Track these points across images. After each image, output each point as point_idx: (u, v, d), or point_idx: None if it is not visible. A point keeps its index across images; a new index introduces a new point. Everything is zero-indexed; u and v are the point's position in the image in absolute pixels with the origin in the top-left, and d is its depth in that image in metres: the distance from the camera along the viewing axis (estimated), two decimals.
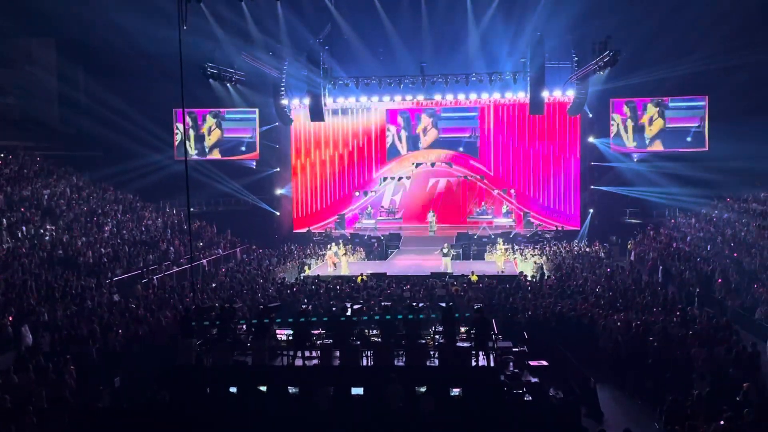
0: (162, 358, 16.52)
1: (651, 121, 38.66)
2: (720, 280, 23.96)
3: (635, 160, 39.52)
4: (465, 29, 37.46)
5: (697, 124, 38.20)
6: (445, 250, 31.44)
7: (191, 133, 41.58)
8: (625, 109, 38.76)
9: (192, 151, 41.01)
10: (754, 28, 33.48)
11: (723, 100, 35.82)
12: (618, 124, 38.78)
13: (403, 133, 43.16)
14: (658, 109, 38.51)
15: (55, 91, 40.74)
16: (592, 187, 40.09)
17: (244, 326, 16.25)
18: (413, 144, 43.15)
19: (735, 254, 26.21)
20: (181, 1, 22.56)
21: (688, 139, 38.29)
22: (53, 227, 28.80)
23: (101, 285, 24.23)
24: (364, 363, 14.90)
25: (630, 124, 38.66)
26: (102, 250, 28.12)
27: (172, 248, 31.97)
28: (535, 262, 31.58)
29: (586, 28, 35.45)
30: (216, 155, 42.02)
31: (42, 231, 27.94)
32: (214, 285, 26.08)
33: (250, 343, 15.44)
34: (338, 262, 31.79)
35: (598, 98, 38.24)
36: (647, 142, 38.76)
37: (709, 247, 28.59)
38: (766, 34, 33.19)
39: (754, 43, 32.71)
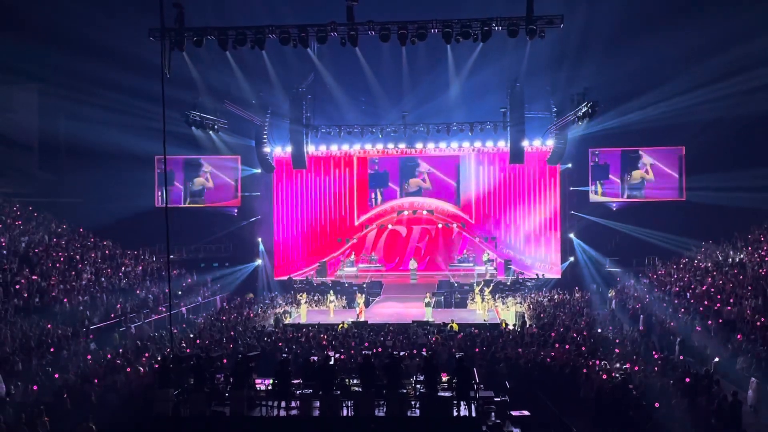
0: (139, 408, 16.22)
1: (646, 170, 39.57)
2: (699, 329, 24.03)
3: (614, 209, 39.93)
4: (446, 79, 37.94)
5: (675, 174, 38.88)
6: (426, 300, 31.31)
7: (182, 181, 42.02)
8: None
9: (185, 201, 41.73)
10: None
11: (700, 150, 36.49)
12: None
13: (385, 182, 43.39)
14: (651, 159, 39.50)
15: (36, 138, 40.59)
16: (571, 235, 40.35)
17: (223, 376, 16.02)
18: (396, 192, 43.31)
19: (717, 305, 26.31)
20: (164, 49, 22.82)
21: (665, 188, 39.03)
22: (30, 274, 28.40)
23: (78, 333, 23.87)
24: (345, 413, 14.70)
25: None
26: (80, 297, 27.77)
27: (150, 296, 31.64)
28: (516, 311, 31.51)
29: (566, 79, 36.15)
30: (201, 204, 42.16)
31: (18, 278, 27.55)
32: (192, 334, 25.77)
33: (229, 392, 15.20)
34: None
35: (577, 147, 38.70)
36: (637, 191, 39.62)
37: (688, 295, 28.69)
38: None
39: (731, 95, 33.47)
